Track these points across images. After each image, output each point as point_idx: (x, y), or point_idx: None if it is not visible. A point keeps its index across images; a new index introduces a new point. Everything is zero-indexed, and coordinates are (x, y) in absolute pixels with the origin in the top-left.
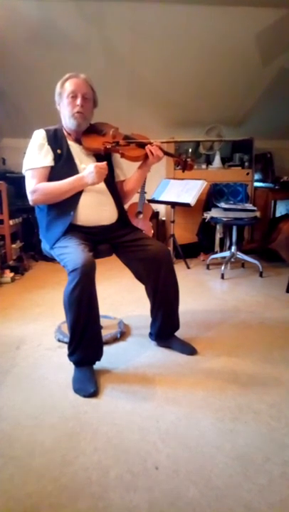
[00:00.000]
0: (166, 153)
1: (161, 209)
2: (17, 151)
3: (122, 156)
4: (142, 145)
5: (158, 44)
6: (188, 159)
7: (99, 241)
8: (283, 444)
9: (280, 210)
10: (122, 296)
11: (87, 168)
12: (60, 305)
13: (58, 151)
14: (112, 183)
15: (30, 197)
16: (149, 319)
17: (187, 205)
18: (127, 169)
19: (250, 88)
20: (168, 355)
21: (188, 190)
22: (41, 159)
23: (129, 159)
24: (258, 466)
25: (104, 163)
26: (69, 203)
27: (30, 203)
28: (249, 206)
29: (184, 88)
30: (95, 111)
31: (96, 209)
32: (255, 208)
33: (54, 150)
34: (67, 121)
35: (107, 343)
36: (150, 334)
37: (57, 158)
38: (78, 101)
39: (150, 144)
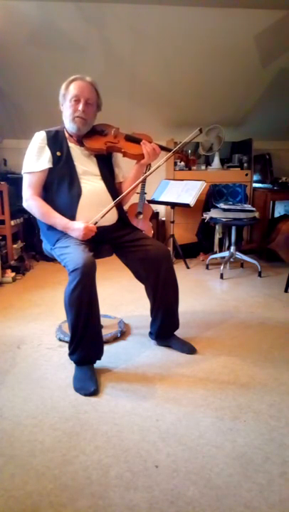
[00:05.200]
0: (163, 149)
1: (161, 209)
2: (18, 151)
3: (124, 154)
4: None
5: (158, 45)
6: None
7: (99, 241)
8: (283, 444)
9: (279, 210)
10: (122, 296)
11: (78, 223)
12: (60, 305)
13: (58, 154)
14: (112, 183)
15: (23, 201)
16: (149, 319)
17: (187, 205)
18: (127, 172)
19: (249, 89)
20: (168, 355)
21: (187, 190)
22: (39, 163)
23: (131, 157)
24: (258, 466)
25: (94, 226)
26: (69, 203)
27: (22, 203)
28: (248, 207)
29: (183, 89)
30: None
31: (96, 210)
32: (254, 209)
33: (53, 152)
34: (68, 124)
35: (108, 342)
36: (150, 333)
37: (56, 160)
38: (80, 106)
39: (148, 140)
